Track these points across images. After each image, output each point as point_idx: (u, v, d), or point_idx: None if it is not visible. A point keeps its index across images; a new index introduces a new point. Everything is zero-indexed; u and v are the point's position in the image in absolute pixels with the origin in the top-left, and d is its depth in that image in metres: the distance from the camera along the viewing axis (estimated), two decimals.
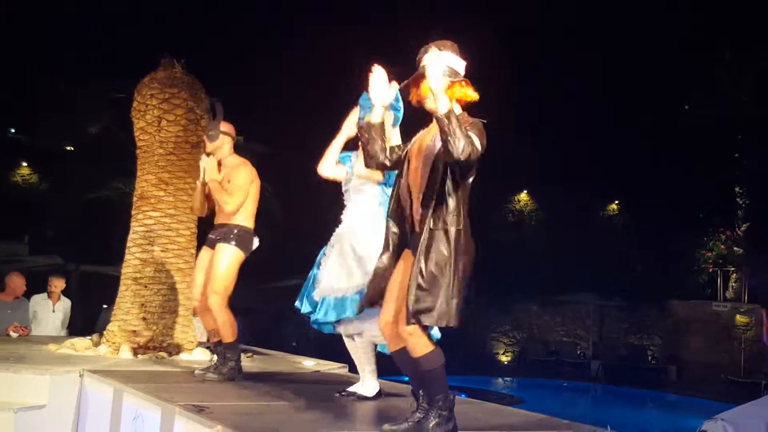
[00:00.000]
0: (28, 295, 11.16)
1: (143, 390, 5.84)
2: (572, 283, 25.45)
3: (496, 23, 24.28)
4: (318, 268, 6.11)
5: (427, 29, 4.90)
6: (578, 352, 26.62)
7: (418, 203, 4.43)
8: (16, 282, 10.93)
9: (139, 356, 8.39)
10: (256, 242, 7.06)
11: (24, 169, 27.89)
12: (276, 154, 19.76)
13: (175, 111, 9.04)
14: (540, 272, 25.71)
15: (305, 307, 6.12)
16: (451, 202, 4.29)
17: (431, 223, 4.27)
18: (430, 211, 4.29)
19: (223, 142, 7.10)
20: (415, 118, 4.70)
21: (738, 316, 23.06)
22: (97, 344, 8.82)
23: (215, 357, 7.06)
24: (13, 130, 27.99)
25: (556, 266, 25.90)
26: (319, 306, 5.97)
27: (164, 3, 22.90)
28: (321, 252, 6.18)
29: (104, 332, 8.98)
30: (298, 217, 21.28)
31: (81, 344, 8.79)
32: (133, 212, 9.17)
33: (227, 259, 6.85)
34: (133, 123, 9.35)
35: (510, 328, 27.62)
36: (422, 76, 4.29)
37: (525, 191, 31.79)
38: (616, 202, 31.46)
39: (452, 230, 4.26)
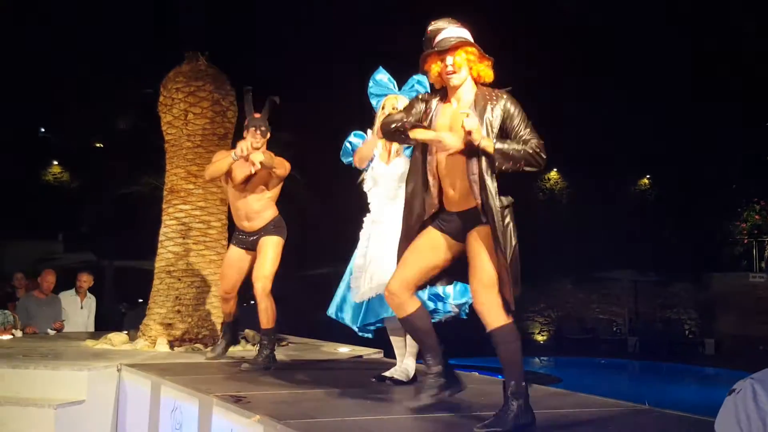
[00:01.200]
0: (59, 291, 11.33)
1: (180, 382, 5.87)
2: (606, 260, 25.34)
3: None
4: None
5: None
6: (614, 329, 26.51)
7: (454, 183, 4.42)
8: (49, 279, 11.08)
9: (176, 349, 8.43)
10: None
11: (55, 168, 28.08)
12: (302, 142, 19.76)
13: (201, 104, 9.05)
14: (573, 250, 25.60)
15: (350, 320, 6.01)
16: (495, 182, 4.29)
17: (495, 204, 4.26)
18: (488, 192, 4.26)
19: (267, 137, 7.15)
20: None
21: None
22: (133, 338, 8.87)
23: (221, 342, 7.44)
24: (42, 130, 28.18)
25: (588, 243, 25.75)
26: (364, 310, 5.90)
27: None
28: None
29: (140, 326, 9.04)
30: (326, 205, 21.29)
31: (118, 339, 8.85)
32: (164, 206, 9.20)
33: (275, 248, 7.01)
34: (160, 117, 9.38)
35: (545, 307, 27.53)
36: (460, 46, 4.34)
37: (555, 170, 31.61)
38: (648, 176, 31.20)
39: (507, 209, 4.32)
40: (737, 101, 25.35)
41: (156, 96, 9.57)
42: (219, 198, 8.97)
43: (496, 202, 4.24)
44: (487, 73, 4.45)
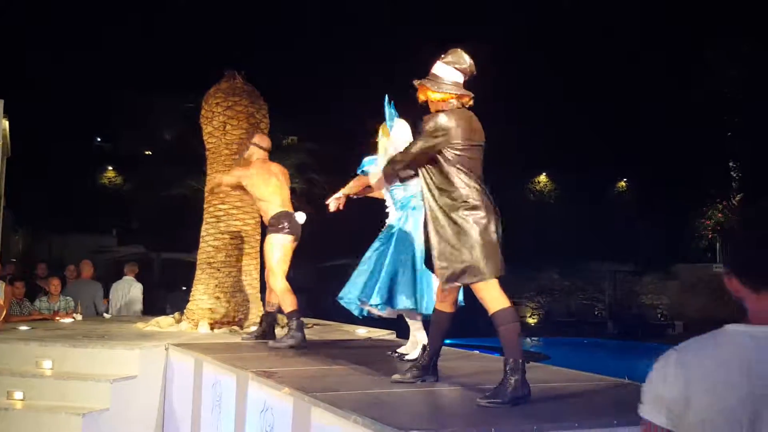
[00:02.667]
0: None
1: (220, 359, 5.86)
2: (589, 253, 25.30)
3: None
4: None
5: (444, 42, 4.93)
6: (596, 313, 26.45)
7: None
8: (88, 267, 11.50)
9: (215, 330, 8.43)
10: (300, 218, 7.16)
11: (110, 173, 28.19)
12: (323, 149, 19.76)
13: (238, 117, 9.06)
14: (560, 244, 25.57)
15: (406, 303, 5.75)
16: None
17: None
18: None
19: (252, 151, 7.40)
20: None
21: None
22: (178, 321, 8.88)
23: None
24: (99, 139, 28.29)
25: (574, 238, 25.72)
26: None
27: (227, 19, 22.94)
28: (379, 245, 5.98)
29: (184, 310, 9.05)
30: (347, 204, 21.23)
31: (165, 322, 8.87)
32: (205, 206, 9.21)
33: (267, 245, 7.12)
34: (201, 128, 9.39)
35: (535, 294, 27.49)
36: (423, 84, 4.58)
37: (544, 174, 31.55)
38: (625, 180, 31.15)
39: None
40: (704, 113, 25.23)
41: (197, 110, 9.59)
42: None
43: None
44: (430, 97, 4.60)
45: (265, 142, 7.53)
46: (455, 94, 4.54)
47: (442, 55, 4.64)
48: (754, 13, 23.20)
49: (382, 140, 5.98)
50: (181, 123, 19.90)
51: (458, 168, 4.37)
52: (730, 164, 26.37)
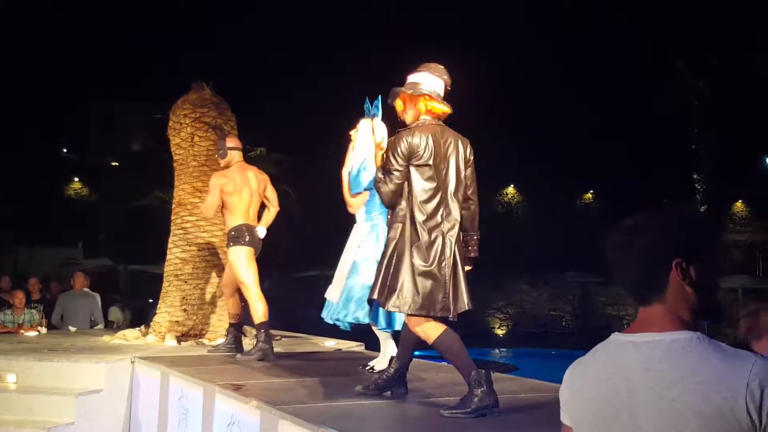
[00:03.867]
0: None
1: (187, 372, 5.82)
2: (556, 264, 25.46)
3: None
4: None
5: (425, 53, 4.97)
6: (563, 324, 26.60)
7: None
8: (81, 278, 11.47)
9: (182, 343, 8.37)
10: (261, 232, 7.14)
11: (76, 184, 27.92)
12: (293, 161, 19.75)
13: (206, 128, 9.02)
14: (528, 255, 25.71)
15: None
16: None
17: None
18: None
19: (231, 156, 7.25)
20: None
21: None
22: (145, 334, 8.80)
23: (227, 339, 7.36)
24: (65, 150, 28.05)
25: (541, 249, 25.88)
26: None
27: (195, 33, 22.87)
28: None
29: (151, 323, 8.98)
30: (316, 215, 21.25)
31: (131, 335, 8.78)
32: (172, 218, 9.15)
33: (230, 257, 7.12)
34: (169, 140, 9.34)
35: (503, 305, 27.59)
36: (398, 94, 4.58)
37: (512, 185, 31.75)
38: (591, 191, 31.42)
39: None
40: (668, 126, 25.55)
41: (165, 121, 9.53)
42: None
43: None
44: (433, 107, 4.55)
45: (238, 142, 7.52)
46: (434, 96, 4.53)
47: (418, 67, 4.63)
48: (719, 27, 23.56)
49: (365, 135, 5.97)
50: (149, 134, 19.82)
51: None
52: (695, 176, 26.71)
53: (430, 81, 4.55)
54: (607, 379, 1.69)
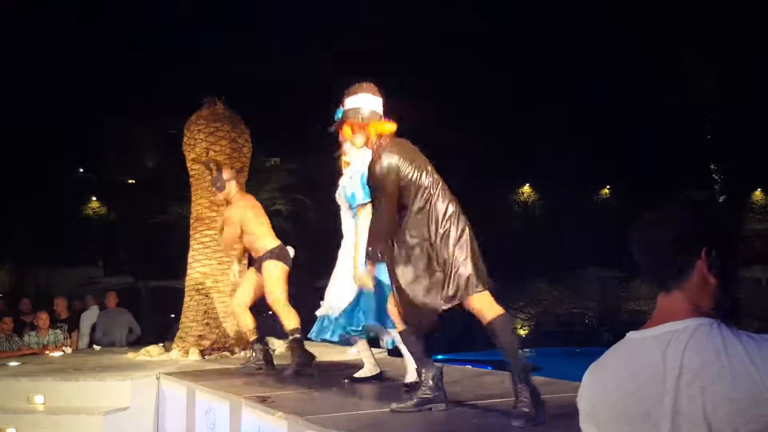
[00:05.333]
0: None
1: (213, 386, 5.84)
2: (575, 261, 25.36)
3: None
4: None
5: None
6: (586, 321, 26.48)
7: None
8: (111, 298, 11.67)
9: (206, 357, 8.39)
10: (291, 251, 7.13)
11: (94, 203, 28.07)
12: (306, 169, 19.77)
13: (220, 142, 9.06)
14: (546, 253, 25.62)
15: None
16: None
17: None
18: None
19: (230, 187, 7.19)
20: None
21: None
22: (169, 350, 8.84)
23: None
24: (81, 170, 28.22)
25: (560, 247, 25.80)
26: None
27: (205, 44, 22.96)
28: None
29: (174, 338, 9.01)
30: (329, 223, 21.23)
31: (155, 350, 8.82)
32: (191, 232, 9.20)
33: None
34: (184, 155, 9.39)
35: (524, 305, 27.49)
36: (343, 123, 4.61)
37: (528, 184, 31.66)
38: (608, 186, 31.30)
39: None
40: (684, 116, 25.39)
41: (180, 137, 9.58)
42: None
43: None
44: (383, 128, 4.49)
45: (233, 171, 7.52)
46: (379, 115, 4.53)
47: (353, 89, 4.62)
48: (729, 19, 23.41)
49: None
50: (164, 150, 19.90)
51: None
52: (712, 167, 26.53)
53: (370, 102, 4.56)
54: (631, 378, 1.67)
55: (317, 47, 24.06)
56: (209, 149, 9.03)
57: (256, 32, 24.13)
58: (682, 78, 24.88)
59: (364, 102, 4.55)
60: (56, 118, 22.77)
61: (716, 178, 26.49)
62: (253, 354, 7.17)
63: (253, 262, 7.26)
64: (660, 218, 1.78)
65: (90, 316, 11.64)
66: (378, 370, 5.95)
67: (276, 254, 6.98)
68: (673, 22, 24.78)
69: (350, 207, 5.71)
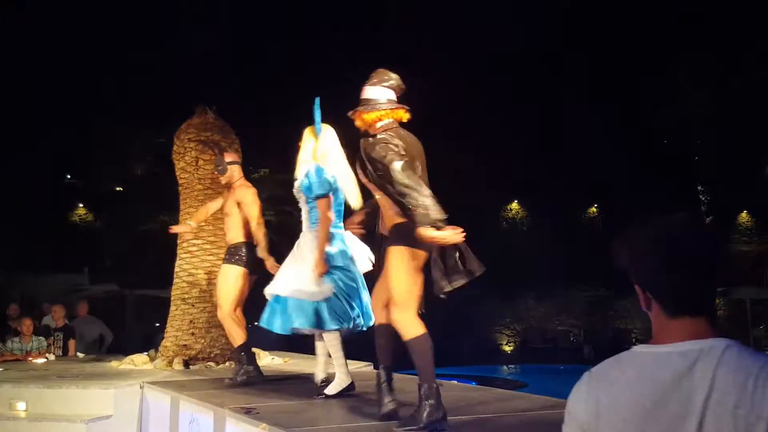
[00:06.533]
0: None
1: (197, 396, 5.81)
2: (562, 279, 25.40)
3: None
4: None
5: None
6: (571, 339, 26.51)
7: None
8: (85, 305, 11.87)
9: (191, 367, 8.36)
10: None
11: (81, 210, 27.95)
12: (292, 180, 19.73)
13: (210, 151, 9.05)
14: (533, 270, 25.64)
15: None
16: None
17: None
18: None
19: (232, 170, 7.06)
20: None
21: None
22: (153, 359, 8.80)
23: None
24: (69, 176, 28.13)
25: (547, 264, 25.82)
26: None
27: (195, 58, 22.95)
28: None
29: (159, 347, 8.97)
30: None
31: (139, 359, 8.79)
32: (178, 241, 9.17)
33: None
34: (174, 164, 9.37)
35: (510, 321, 27.50)
36: (357, 110, 4.63)
37: (515, 201, 31.74)
38: (595, 205, 31.42)
39: None
40: (671, 137, 25.55)
41: (169, 145, 9.57)
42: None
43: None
44: (398, 114, 4.62)
45: (236, 156, 7.41)
46: (389, 109, 4.60)
47: (368, 80, 4.70)
48: (721, 38, 23.60)
49: (308, 142, 5.93)
50: (153, 158, 19.85)
51: None
52: (699, 188, 26.69)
53: (382, 94, 4.63)
54: (649, 394, 1.61)
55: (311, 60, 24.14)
56: (198, 158, 9.03)
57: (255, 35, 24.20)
58: (671, 99, 25.06)
59: (378, 94, 4.63)
60: (44, 124, 22.73)
61: (703, 199, 26.63)
62: (242, 366, 6.98)
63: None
64: (707, 240, 1.71)
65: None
66: (351, 380, 5.81)
67: (234, 255, 6.91)
68: (661, 44, 24.95)
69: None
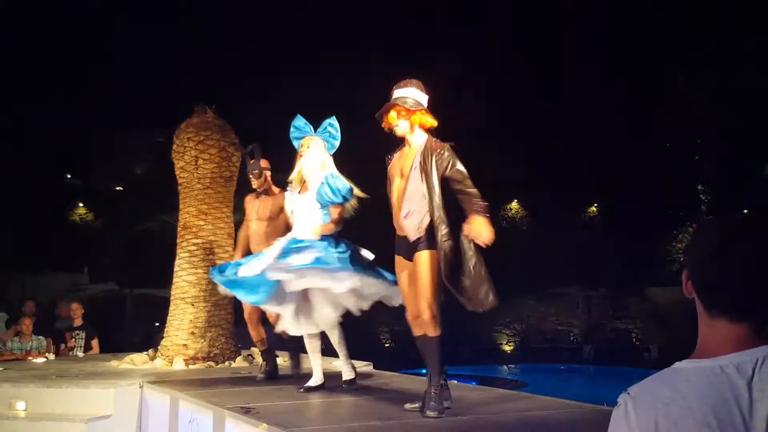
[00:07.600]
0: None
1: (196, 396, 5.81)
2: (562, 278, 25.39)
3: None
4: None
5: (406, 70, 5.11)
6: (571, 338, 26.48)
7: (401, 214, 4.79)
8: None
9: (190, 366, 8.35)
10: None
11: (80, 209, 27.93)
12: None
13: (210, 151, 9.04)
14: (533, 270, 25.61)
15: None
16: None
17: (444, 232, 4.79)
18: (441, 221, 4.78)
19: (266, 176, 7.25)
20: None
21: None
22: (153, 358, 8.79)
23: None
24: (69, 176, 28.12)
25: (547, 264, 25.79)
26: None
27: (196, 55, 22.94)
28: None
29: (159, 347, 8.97)
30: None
31: (139, 359, 8.78)
32: (178, 240, 9.16)
33: None
34: (173, 163, 9.36)
35: (510, 321, 27.45)
36: (391, 107, 4.78)
37: (515, 200, 31.73)
38: (595, 204, 31.41)
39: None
40: (671, 136, 25.52)
41: (169, 144, 9.56)
42: (226, 232, 9.00)
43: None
44: (426, 121, 4.83)
45: (269, 165, 7.50)
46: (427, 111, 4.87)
47: (419, 84, 4.84)
48: (720, 38, 23.58)
49: (313, 153, 6.02)
50: (152, 158, 19.84)
51: None
52: (699, 187, 26.68)
53: (418, 96, 4.81)
54: (711, 412, 1.50)
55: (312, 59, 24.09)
56: (198, 157, 9.02)
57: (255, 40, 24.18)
58: (671, 98, 25.04)
59: (412, 93, 4.80)
60: (44, 124, 22.72)
61: (703, 198, 26.62)
62: (265, 363, 7.27)
63: None
64: (711, 227, 1.63)
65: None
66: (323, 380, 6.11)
67: None
68: (661, 44, 24.94)
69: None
